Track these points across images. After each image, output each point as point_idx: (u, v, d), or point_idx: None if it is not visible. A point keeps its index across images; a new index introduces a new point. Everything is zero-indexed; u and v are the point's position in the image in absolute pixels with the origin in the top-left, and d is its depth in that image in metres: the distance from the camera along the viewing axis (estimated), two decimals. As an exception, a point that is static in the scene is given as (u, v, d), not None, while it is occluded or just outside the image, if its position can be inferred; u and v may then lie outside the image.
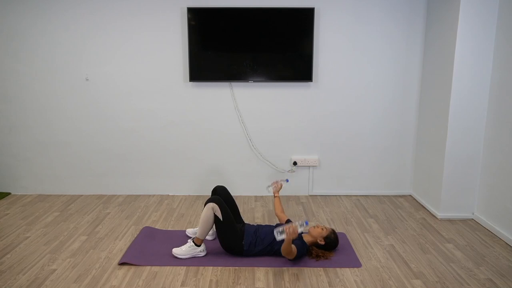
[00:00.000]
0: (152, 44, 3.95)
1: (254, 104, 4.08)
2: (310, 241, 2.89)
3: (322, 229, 2.90)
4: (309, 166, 4.20)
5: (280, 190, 3.45)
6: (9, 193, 4.27)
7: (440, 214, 3.63)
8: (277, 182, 3.37)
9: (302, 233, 2.89)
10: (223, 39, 3.85)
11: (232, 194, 4.17)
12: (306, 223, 2.56)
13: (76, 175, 4.23)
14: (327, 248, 2.89)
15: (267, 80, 3.95)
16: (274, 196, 3.31)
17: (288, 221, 3.08)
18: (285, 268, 2.75)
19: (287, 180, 3.41)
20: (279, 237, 2.61)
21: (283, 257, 2.86)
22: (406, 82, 4.04)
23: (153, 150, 4.18)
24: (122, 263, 2.79)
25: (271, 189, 3.35)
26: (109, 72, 4.01)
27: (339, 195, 4.26)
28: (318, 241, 2.86)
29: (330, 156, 4.19)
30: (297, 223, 2.59)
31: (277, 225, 2.92)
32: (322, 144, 4.17)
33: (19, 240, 3.17)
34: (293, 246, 2.71)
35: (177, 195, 4.26)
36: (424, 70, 3.96)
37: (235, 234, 2.83)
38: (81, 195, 4.23)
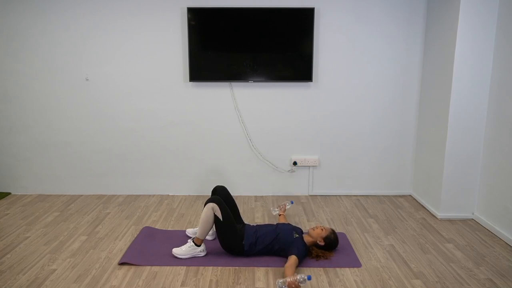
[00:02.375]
0: (152, 44, 3.95)
1: (254, 104, 4.08)
2: (310, 242, 2.89)
3: (322, 229, 2.90)
4: (309, 166, 4.20)
5: (285, 211, 3.54)
6: (9, 193, 4.27)
7: (440, 214, 3.63)
8: (282, 205, 3.49)
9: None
10: (223, 39, 3.85)
11: (232, 194, 4.17)
12: (309, 278, 2.39)
13: (76, 175, 4.23)
14: (327, 248, 2.89)
15: (267, 80, 3.95)
16: (279, 215, 3.43)
17: (289, 224, 3.08)
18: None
19: (291, 202, 3.51)
20: None
21: (283, 257, 2.86)
22: (406, 82, 4.04)
23: (153, 150, 4.18)
24: (122, 263, 2.79)
25: (277, 210, 3.47)
26: (109, 72, 4.01)
27: (339, 195, 4.26)
28: (317, 241, 2.86)
29: (330, 156, 4.19)
30: (298, 277, 2.39)
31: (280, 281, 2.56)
32: (322, 144, 4.17)
33: (19, 240, 3.17)
34: (294, 258, 2.68)
35: (177, 195, 4.26)
36: (424, 70, 3.96)
37: (235, 234, 2.83)
38: (81, 195, 4.23)
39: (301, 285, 2.42)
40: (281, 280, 2.41)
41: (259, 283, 2.58)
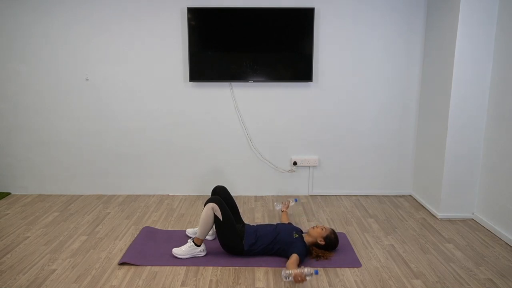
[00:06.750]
0: (152, 44, 3.95)
1: (254, 104, 4.08)
2: (310, 242, 2.89)
3: (322, 229, 2.90)
4: (309, 166, 4.20)
5: (288, 208, 3.59)
6: (9, 193, 4.27)
7: (440, 214, 3.63)
8: (285, 202, 3.52)
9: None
10: (223, 39, 3.85)
11: (232, 194, 4.17)
12: (316, 273, 2.35)
13: (76, 175, 4.23)
14: (327, 248, 2.89)
15: (267, 80, 3.95)
16: (282, 211, 3.45)
17: (289, 223, 3.09)
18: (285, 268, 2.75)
19: (295, 200, 3.55)
20: (286, 280, 2.48)
21: (283, 257, 2.86)
22: (406, 82, 4.04)
23: (153, 150, 4.18)
24: (122, 263, 2.79)
25: (280, 205, 3.51)
26: (109, 72, 4.01)
27: (339, 195, 4.26)
28: (318, 241, 2.86)
29: (330, 156, 4.19)
30: (306, 270, 2.37)
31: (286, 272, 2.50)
32: (322, 144, 4.17)
33: (19, 240, 3.17)
34: (295, 256, 2.67)
35: (177, 195, 4.26)
36: (424, 70, 3.96)
37: (235, 234, 2.83)
38: (81, 195, 4.23)
39: (307, 278, 2.37)
40: (288, 272, 2.38)
41: (259, 283, 2.58)
